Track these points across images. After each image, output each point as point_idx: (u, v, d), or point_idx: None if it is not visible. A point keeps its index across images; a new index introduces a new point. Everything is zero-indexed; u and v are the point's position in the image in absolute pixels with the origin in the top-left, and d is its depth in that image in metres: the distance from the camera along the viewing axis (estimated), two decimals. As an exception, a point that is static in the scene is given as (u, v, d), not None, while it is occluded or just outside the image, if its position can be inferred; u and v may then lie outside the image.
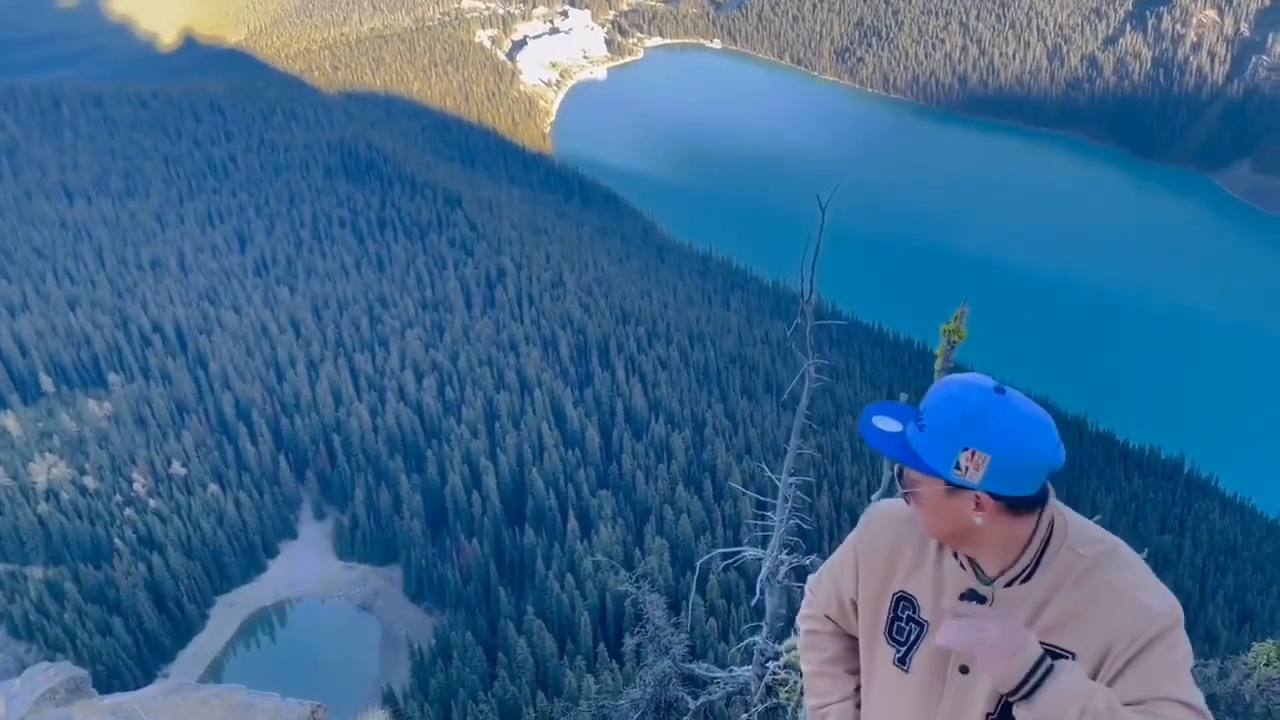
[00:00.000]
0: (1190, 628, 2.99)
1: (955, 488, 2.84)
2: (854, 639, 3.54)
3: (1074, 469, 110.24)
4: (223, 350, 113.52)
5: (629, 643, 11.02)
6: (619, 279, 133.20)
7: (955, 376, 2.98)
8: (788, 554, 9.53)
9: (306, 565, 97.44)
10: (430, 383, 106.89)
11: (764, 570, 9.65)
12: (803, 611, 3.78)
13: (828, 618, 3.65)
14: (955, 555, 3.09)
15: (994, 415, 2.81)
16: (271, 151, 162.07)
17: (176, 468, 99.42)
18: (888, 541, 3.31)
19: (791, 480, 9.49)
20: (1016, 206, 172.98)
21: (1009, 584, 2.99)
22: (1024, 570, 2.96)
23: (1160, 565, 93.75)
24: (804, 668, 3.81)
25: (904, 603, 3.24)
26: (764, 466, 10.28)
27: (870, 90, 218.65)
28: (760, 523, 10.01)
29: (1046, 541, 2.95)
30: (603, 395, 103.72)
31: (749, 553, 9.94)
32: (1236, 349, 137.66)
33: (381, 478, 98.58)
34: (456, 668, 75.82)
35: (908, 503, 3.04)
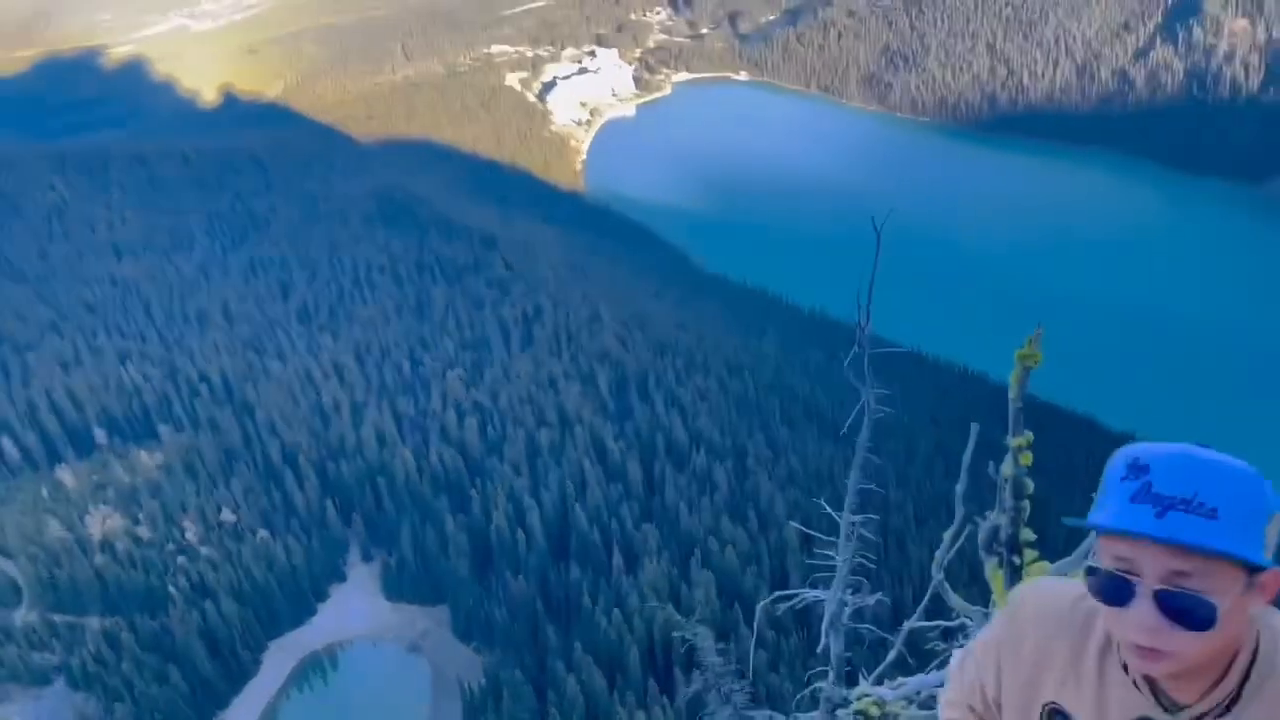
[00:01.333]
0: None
1: (1253, 577, 2.16)
2: None
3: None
4: (268, 397, 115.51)
5: (686, 691, 10.93)
6: (655, 312, 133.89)
7: (1153, 447, 2.35)
8: (852, 594, 9.46)
9: (356, 607, 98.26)
10: (472, 422, 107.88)
11: (828, 612, 9.47)
12: (945, 696, 3.28)
13: (971, 709, 3.10)
14: (1125, 668, 2.39)
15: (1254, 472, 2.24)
16: (311, 202, 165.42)
17: (226, 514, 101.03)
18: (1035, 641, 2.67)
19: (854, 518, 9.36)
20: (1053, 224, 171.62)
21: (1200, 717, 2.28)
22: (1226, 699, 2.25)
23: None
24: None
25: (1057, 716, 2.64)
26: (823, 503, 10.00)
27: (899, 114, 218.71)
28: (819, 561, 9.84)
29: (1252, 660, 2.23)
30: (643, 428, 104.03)
31: (809, 594, 9.82)
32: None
33: (427, 518, 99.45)
34: (507, 706, 76.01)
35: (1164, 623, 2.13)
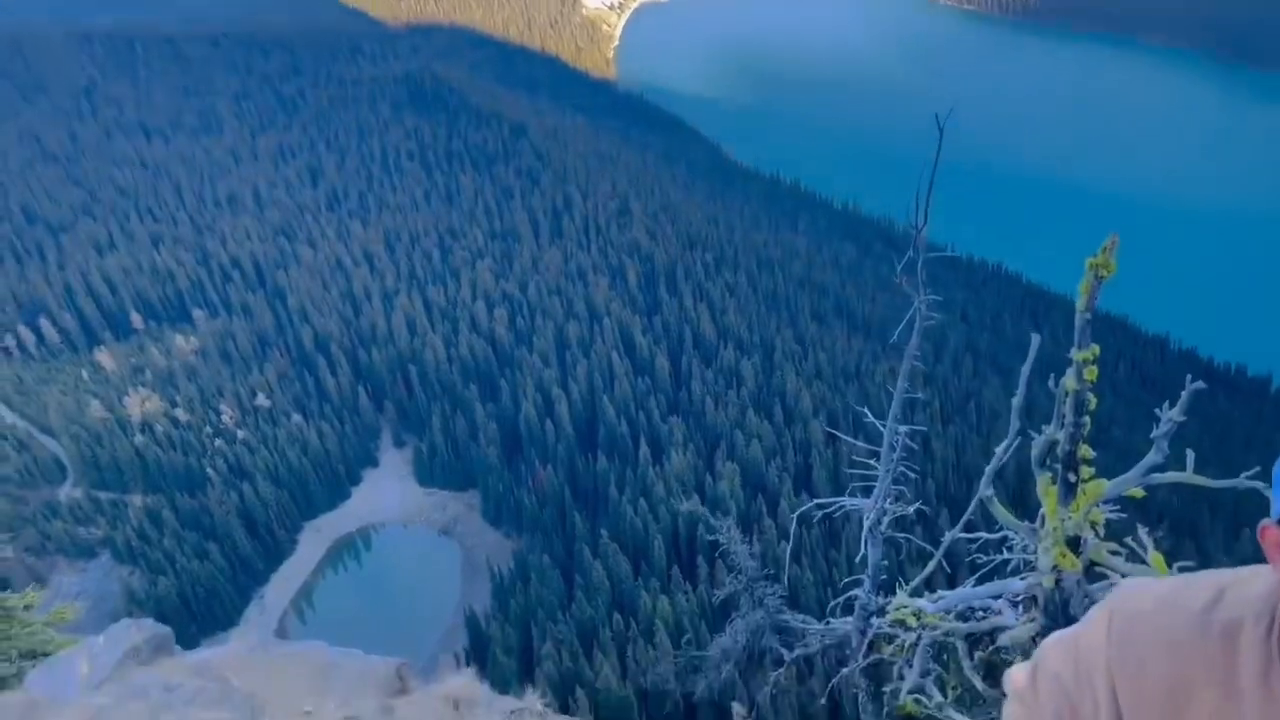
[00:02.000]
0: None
1: None
2: None
3: (1154, 390, 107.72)
4: (300, 284, 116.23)
5: (718, 593, 10.85)
6: (685, 205, 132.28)
7: None
8: (892, 503, 9.31)
9: (388, 492, 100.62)
10: (501, 313, 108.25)
11: (868, 521, 9.31)
12: (1012, 710, 2.59)
13: None
14: None
15: None
16: (339, 86, 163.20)
17: (261, 399, 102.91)
18: (1166, 671, 2.18)
19: (899, 428, 9.12)
20: (1100, 119, 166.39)
21: None
22: None
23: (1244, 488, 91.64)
24: None
25: None
26: (866, 411, 9.66)
27: (943, 1, 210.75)
28: (858, 471, 9.60)
29: None
30: (671, 322, 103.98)
31: (847, 503, 9.62)
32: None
33: (457, 406, 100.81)
34: (535, 590, 78.07)
35: None
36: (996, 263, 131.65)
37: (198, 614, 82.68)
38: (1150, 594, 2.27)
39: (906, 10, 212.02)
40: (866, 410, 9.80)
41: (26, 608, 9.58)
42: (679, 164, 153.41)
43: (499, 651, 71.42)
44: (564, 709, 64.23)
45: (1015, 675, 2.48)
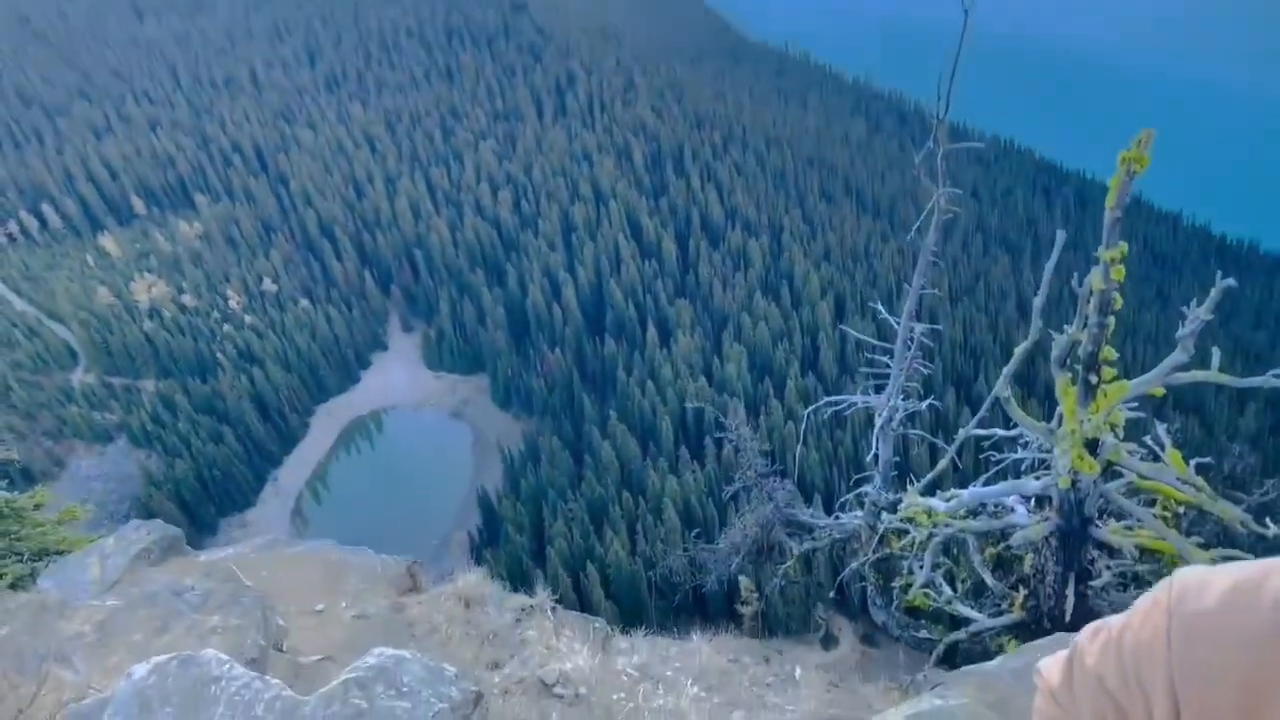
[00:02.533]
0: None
1: None
2: None
3: (1167, 265, 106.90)
4: (302, 168, 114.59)
5: (728, 489, 10.78)
6: (692, 81, 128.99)
7: None
8: (904, 400, 9.11)
9: (398, 376, 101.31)
10: (506, 196, 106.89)
11: (880, 419, 9.14)
12: (1044, 709, 2.26)
13: None
14: None
15: None
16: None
17: (268, 284, 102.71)
18: (1241, 675, 1.85)
19: (913, 325, 8.85)
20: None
21: None
22: None
23: (1254, 360, 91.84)
24: None
25: None
26: (879, 307, 9.34)
27: None
28: (873, 370, 9.34)
29: None
30: (678, 204, 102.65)
31: (859, 400, 9.41)
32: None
33: (464, 291, 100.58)
34: (546, 470, 79.28)
35: None
36: (1008, 138, 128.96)
37: (215, 496, 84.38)
38: (1213, 591, 1.95)
39: None
40: (879, 306, 9.46)
41: (36, 507, 9.62)
42: (686, 38, 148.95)
43: (511, 529, 72.91)
44: (575, 585, 66.16)
45: (1048, 669, 2.21)
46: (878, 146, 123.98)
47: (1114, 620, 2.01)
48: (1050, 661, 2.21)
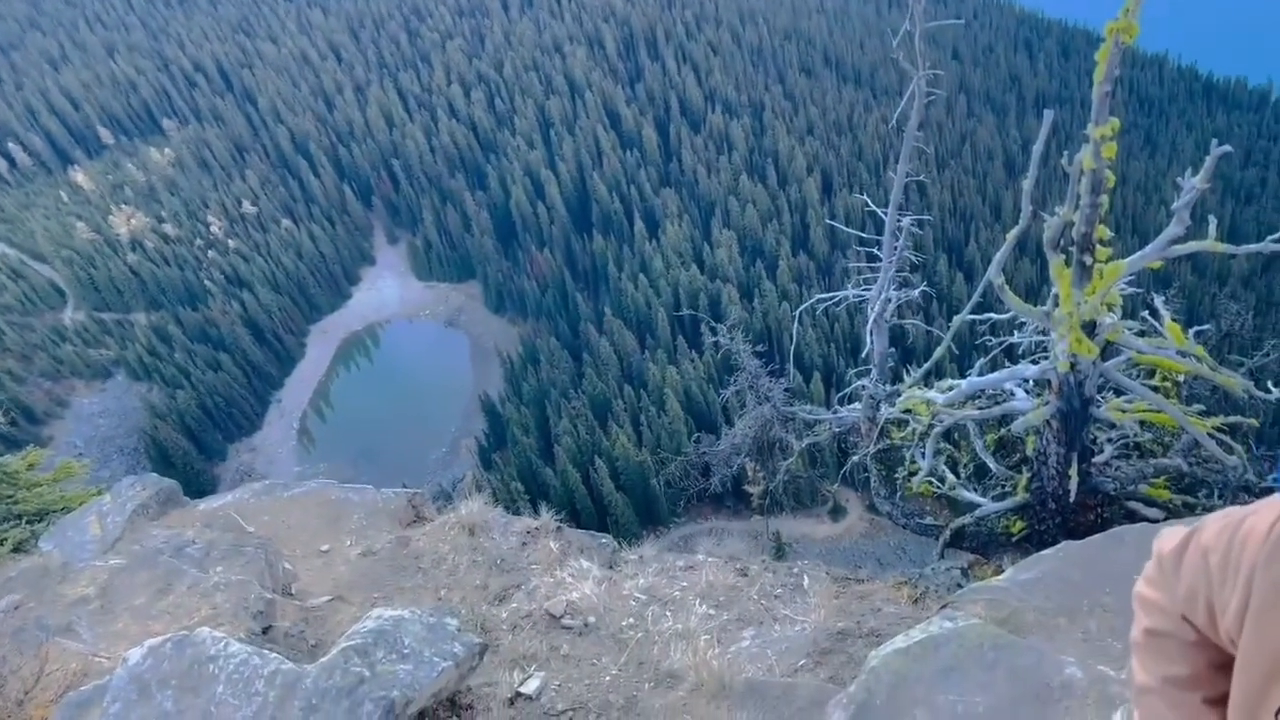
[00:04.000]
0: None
1: None
2: (1222, 653, 2.14)
3: (1153, 109, 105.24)
4: (268, 84, 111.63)
5: (724, 394, 10.66)
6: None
7: None
8: (896, 290, 8.92)
9: (389, 289, 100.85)
10: (479, 95, 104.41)
11: (873, 311, 9.01)
12: (1145, 592, 2.30)
13: (1186, 620, 2.23)
14: None
15: None
16: None
17: (247, 206, 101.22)
18: None
19: (900, 215, 8.62)
20: None
21: None
22: None
23: (1244, 200, 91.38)
24: (1136, 676, 2.35)
25: None
26: (865, 198, 9.10)
27: None
28: (862, 264, 9.14)
29: None
30: (655, 90, 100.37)
31: (851, 294, 9.22)
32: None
33: (446, 198, 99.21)
34: (546, 371, 79.59)
35: None
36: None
37: (220, 422, 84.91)
38: None
39: None
40: (868, 200, 9.22)
41: (30, 467, 9.54)
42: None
43: (517, 430, 73.58)
44: (585, 479, 67.12)
45: (1165, 538, 2.29)
46: (854, 11, 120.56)
47: (1240, 510, 2.03)
48: (1169, 532, 2.28)
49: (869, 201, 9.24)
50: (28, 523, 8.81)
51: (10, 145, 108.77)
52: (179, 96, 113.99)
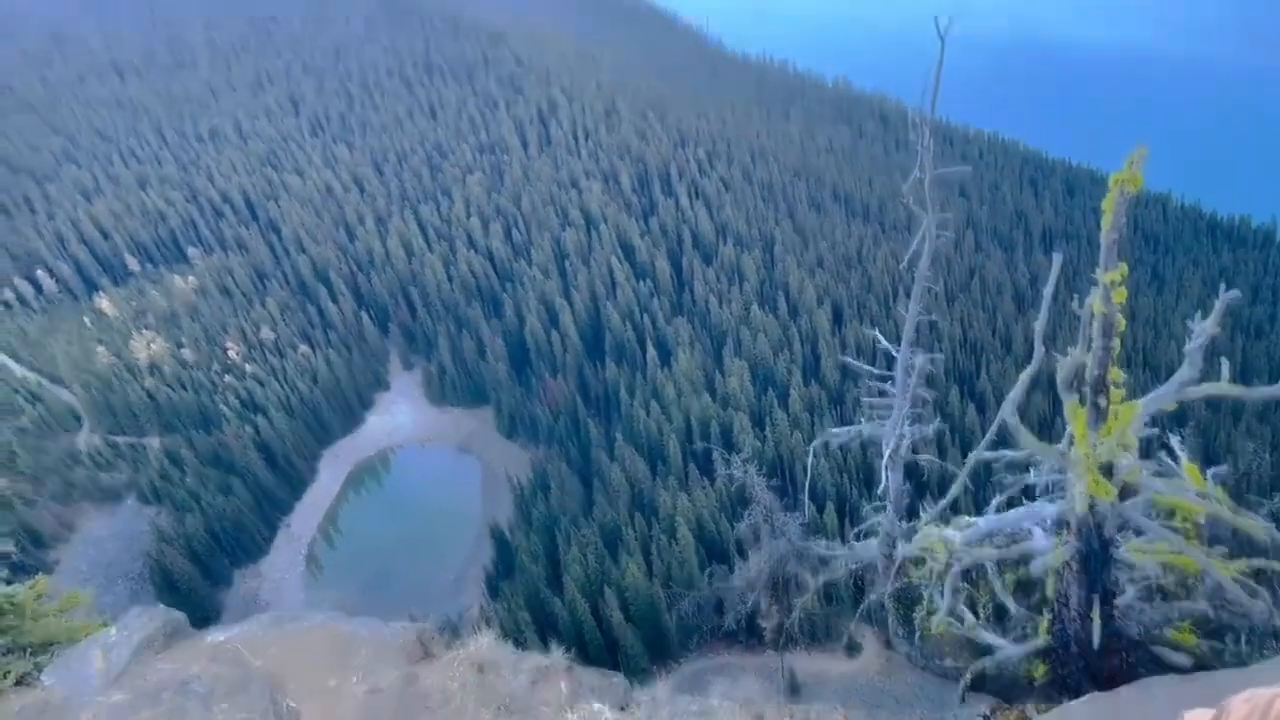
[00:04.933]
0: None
1: None
2: None
3: (1159, 246, 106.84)
4: (292, 214, 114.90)
5: (739, 527, 10.57)
6: (674, 99, 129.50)
7: None
8: (910, 426, 8.94)
9: (402, 414, 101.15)
10: (497, 227, 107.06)
11: (887, 448, 8.98)
12: None
13: None
14: None
15: None
16: (310, 6, 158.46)
17: (266, 332, 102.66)
18: None
19: (912, 353, 8.72)
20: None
21: None
22: None
23: (1254, 336, 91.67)
24: None
25: None
26: (878, 335, 9.24)
27: None
28: (874, 398, 9.17)
29: None
30: (669, 223, 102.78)
31: (865, 430, 9.25)
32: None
33: (462, 325, 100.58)
34: (556, 497, 78.88)
35: None
36: (992, 131, 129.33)
37: (227, 547, 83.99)
38: None
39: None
40: (880, 336, 9.31)
41: (38, 598, 9.44)
42: (665, 56, 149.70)
43: (526, 559, 72.45)
44: (594, 611, 65.68)
45: (1193, 716, 2.32)
46: (862, 151, 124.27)
47: (1266, 691, 2.09)
48: (1196, 713, 2.35)
49: (880, 337, 9.25)
50: (31, 654, 8.66)
51: (39, 272, 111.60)
52: (205, 226, 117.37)
